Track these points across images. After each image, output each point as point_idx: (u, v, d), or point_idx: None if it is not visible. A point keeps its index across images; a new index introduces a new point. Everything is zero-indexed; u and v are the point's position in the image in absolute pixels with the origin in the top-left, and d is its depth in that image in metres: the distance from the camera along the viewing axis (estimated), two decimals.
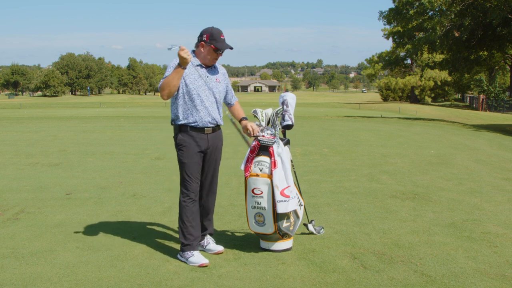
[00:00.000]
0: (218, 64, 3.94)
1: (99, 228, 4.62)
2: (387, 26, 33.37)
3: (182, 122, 3.74)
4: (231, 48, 3.78)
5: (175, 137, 3.82)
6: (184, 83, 3.71)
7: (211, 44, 3.69)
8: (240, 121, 4.02)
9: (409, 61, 63.40)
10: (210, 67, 3.83)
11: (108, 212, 5.24)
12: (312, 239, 4.28)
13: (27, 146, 11.16)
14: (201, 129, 3.76)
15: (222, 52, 3.76)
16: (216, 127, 3.88)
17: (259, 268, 3.61)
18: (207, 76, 3.79)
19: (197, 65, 3.76)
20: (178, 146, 3.78)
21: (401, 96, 67.67)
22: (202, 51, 3.74)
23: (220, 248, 3.96)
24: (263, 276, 3.45)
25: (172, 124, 3.85)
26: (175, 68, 3.58)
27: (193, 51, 3.80)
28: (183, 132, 3.75)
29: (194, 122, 3.73)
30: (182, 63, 3.53)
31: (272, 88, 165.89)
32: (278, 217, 3.81)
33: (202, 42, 3.72)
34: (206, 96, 3.76)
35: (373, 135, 13.79)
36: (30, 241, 4.22)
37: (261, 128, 3.92)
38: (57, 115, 27.54)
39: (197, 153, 3.77)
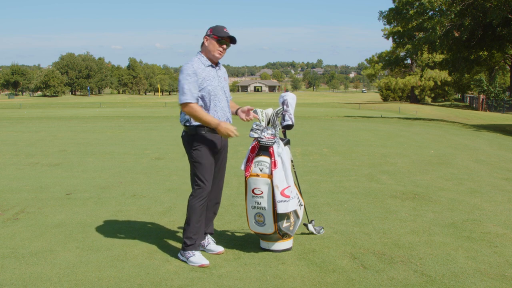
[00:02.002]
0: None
1: (99, 228, 4.62)
2: (387, 26, 33.38)
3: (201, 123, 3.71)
4: (233, 38, 3.74)
5: (190, 138, 3.74)
6: (204, 85, 3.69)
7: (213, 35, 3.71)
8: (237, 111, 3.98)
9: (409, 61, 63.42)
10: (218, 66, 3.84)
11: (108, 212, 5.24)
12: (312, 239, 4.28)
13: (27, 146, 11.16)
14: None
15: (226, 45, 3.75)
16: None
17: (259, 268, 3.60)
18: (219, 76, 3.81)
19: (208, 66, 3.75)
20: (196, 147, 3.72)
21: (401, 96, 67.69)
22: (206, 45, 3.74)
23: (220, 249, 3.96)
24: (263, 276, 3.45)
25: (186, 124, 3.76)
26: (214, 124, 3.61)
27: (200, 52, 3.80)
28: (200, 132, 3.71)
29: None
30: (220, 133, 3.65)
31: (272, 88, 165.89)
32: (278, 217, 3.81)
33: (206, 36, 3.74)
34: (221, 96, 3.79)
35: (373, 135, 13.78)
36: (30, 241, 4.22)
37: (261, 128, 3.91)
38: (57, 115, 27.55)
39: (213, 155, 3.78)
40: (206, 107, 3.73)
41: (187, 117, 3.74)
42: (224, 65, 3.99)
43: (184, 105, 3.63)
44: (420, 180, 6.97)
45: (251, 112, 3.93)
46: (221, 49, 3.74)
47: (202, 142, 3.71)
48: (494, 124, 25.07)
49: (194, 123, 3.71)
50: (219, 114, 3.77)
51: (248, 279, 3.41)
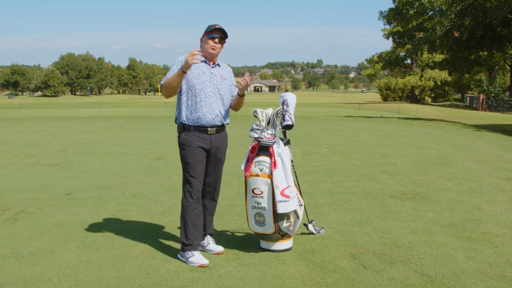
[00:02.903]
0: (224, 63, 3.96)
1: (99, 228, 4.62)
2: (387, 26, 33.37)
3: (185, 119, 3.75)
4: (220, 29, 3.75)
5: (179, 136, 3.83)
6: (187, 78, 3.74)
7: (205, 33, 3.80)
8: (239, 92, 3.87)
9: (409, 61, 63.42)
10: (215, 65, 3.85)
11: (108, 212, 5.24)
12: (312, 239, 4.28)
13: (27, 146, 11.16)
14: (204, 129, 3.76)
15: (218, 39, 3.76)
16: (221, 127, 3.87)
17: (259, 268, 3.60)
18: (211, 73, 3.81)
19: (201, 62, 3.79)
20: (181, 146, 3.78)
21: (401, 96, 67.66)
22: (202, 44, 3.83)
23: (220, 248, 3.96)
24: (263, 276, 3.45)
25: (176, 122, 3.85)
26: (178, 70, 3.61)
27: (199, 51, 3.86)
28: (186, 131, 3.76)
29: (197, 119, 3.73)
30: (184, 67, 3.55)
31: (272, 88, 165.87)
32: (278, 217, 3.81)
33: (201, 38, 3.84)
34: (210, 92, 3.76)
35: (373, 135, 13.79)
36: (30, 241, 4.22)
37: (261, 128, 3.91)
38: (57, 115, 27.55)
39: (201, 152, 3.77)
40: (190, 101, 3.74)
41: (177, 113, 3.82)
42: None
43: (161, 87, 3.75)
44: (420, 180, 6.97)
45: (246, 76, 3.78)
46: (212, 43, 3.76)
47: (188, 140, 3.75)
48: (494, 124, 25.07)
49: (181, 120, 3.77)
50: (204, 110, 3.74)
51: (248, 279, 3.41)
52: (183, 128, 3.77)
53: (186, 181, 3.77)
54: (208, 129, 3.77)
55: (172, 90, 3.69)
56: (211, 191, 3.99)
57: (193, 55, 3.48)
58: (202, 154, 3.78)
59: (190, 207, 3.74)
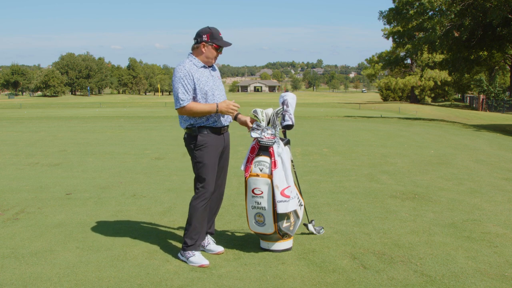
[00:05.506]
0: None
1: (99, 228, 4.62)
2: (387, 26, 33.38)
3: (203, 123, 3.71)
4: (230, 44, 3.81)
5: (193, 139, 3.74)
6: (199, 87, 3.69)
7: (213, 43, 3.70)
8: (236, 116, 3.93)
9: (409, 61, 63.43)
10: (212, 67, 3.85)
11: (108, 212, 5.24)
12: (312, 239, 4.28)
13: (27, 146, 11.16)
14: (218, 129, 3.78)
15: (221, 50, 3.80)
16: (228, 126, 3.92)
17: (259, 268, 3.61)
18: (212, 76, 3.82)
19: (201, 67, 3.75)
20: (199, 147, 3.72)
21: (401, 96, 67.69)
22: (204, 51, 3.72)
23: (220, 248, 3.96)
24: (263, 276, 3.45)
25: (187, 127, 3.76)
26: (213, 109, 3.65)
27: (191, 54, 3.78)
28: (202, 133, 3.72)
29: (213, 123, 3.74)
30: (222, 112, 3.66)
31: (272, 88, 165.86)
32: (278, 217, 3.81)
33: (203, 43, 3.71)
34: (218, 95, 3.79)
35: (373, 135, 13.78)
36: (30, 241, 4.22)
37: (261, 128, 3.91)
38: (57, 115, 27.54)
39: (216, 154, 3.79)
40: None
41: (188, 120, 3.73)
42: (224, 65, 4.02)
43: (181, 109, 3.65)
44: (420, 180, 6.97)
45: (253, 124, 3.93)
46: (217, 56, 3.77)
47: (204, 142, 3.72)
48: (494, 124, 25.07)
49: (196, 124, 3.71)
50: (219, 114, 3.77)
51: (248, 279, 3.41)
52: (198, 131, 3.72)
53: (201, 183, 3.74)
54: (221, 128, 3.81)
55: (198, 115, 3.69)
56: (218, 190, 3.99)
57: (234, 107, 3.65)
58: (217, 156, 3.80)
59: (201, 208, 3.73)
